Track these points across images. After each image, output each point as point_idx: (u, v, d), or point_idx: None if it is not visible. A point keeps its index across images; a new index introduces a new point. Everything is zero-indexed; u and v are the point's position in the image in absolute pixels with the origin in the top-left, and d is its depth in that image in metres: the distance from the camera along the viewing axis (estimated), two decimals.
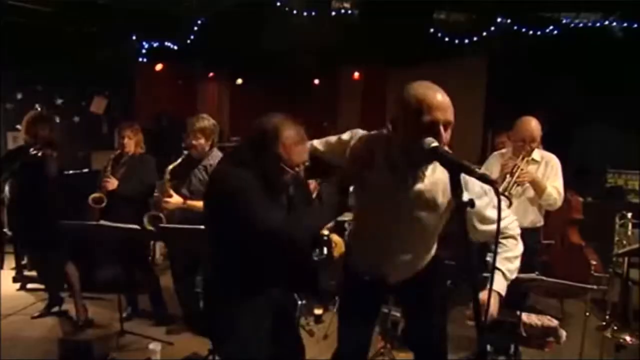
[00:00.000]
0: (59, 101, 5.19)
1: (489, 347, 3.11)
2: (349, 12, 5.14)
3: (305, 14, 5.12)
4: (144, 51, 5.26)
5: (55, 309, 3.63)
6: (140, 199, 3.42)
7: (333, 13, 5.17)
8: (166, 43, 5.22)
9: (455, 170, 1.13)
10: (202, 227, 2.81)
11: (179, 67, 6.07)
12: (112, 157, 3.43)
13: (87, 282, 3.63)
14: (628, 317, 3.06)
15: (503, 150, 3.12)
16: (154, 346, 2.85)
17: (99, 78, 5.19)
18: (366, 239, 1.76)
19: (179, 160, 2.99)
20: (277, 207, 1.67)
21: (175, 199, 2.95)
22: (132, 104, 5.68)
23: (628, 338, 2.60)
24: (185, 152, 3.04)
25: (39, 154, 3.24)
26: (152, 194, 3.48)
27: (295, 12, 5.08)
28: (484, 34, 5.38)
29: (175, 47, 5.29)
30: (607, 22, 5.44)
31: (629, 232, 2.97)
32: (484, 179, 1.08)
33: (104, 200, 3.32)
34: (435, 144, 1.28)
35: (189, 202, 2.97)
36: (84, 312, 3.46)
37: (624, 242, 2.92)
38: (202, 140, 2.96)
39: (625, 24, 5.39)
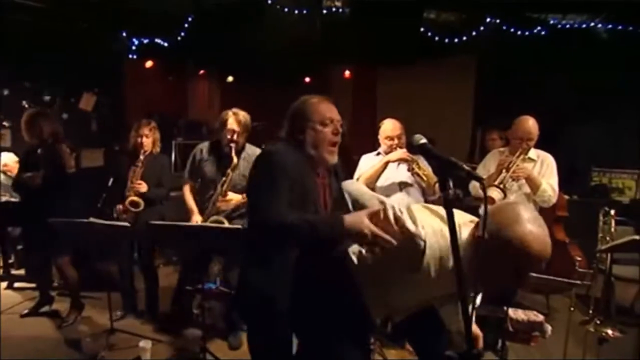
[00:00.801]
0: (47, 98, 5.12)
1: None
2: (340, 10, 5.16)
3: (296, 12, 5.12)
4: (134, 48, 5.22)
5: (45, 308, 3.60)
6: (159, 200, 3.43)
7: (324, 11, 5.18)
8: (156, 40, 5.19)
9: (442, 166, 1.16)
10: (195, 224, 2.87)
11: (170, 64, 6.03)
12: (141, 158, 3.35)
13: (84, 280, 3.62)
14: (610, 311, 3.15)
15: (502, 149, 3.23)
16: (144, 344, 2.85)
17: (88, 75, 5.13)
18: None
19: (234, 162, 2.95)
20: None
21: (235, 196, 2.95)
22: (122, 101, 5.63)
23: (610, 332, 2.67)
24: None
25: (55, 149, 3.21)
26: (168, 195, 3.47)
27: (286, 10, 5.08)
28: (474, 33, 5.44)
29: (166, 44, 5.26)
30: (592, 24, 5.54)
31: (612, 229, 3.04)
32: (470, 175, 1.11)
33: (141, 205, 3.29)
34: (424, 140, 1.29)
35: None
36: (78, 312, 3.45)
37: (607, 238, 3.00)
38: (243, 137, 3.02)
39: (610, 26, 5.49)
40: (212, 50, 5.54)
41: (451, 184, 1.14)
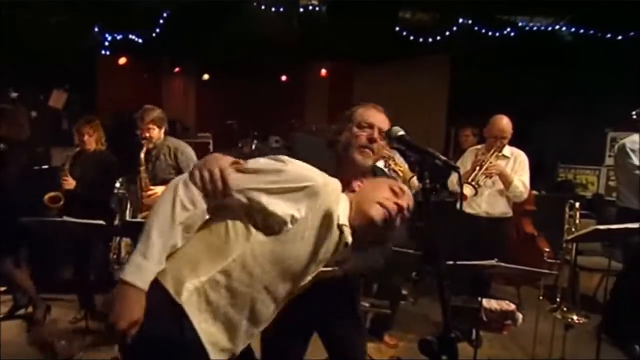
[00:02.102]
0: (14, 95, 4.95)
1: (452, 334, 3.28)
2: (317, 8, 5.20)
3: (273, 9, 5.12)
4: (107, 44, 5.10)
5: (22, 311, 3.49)
6: (100, 198, 3.35)
7: (301, 9, 5.21)
8: (130, 36, 5.09)
9: (420, 157, 1.22)
10: None
11: (144, 61, 5.92)
12: (71, 154, 3.31)
13: (48, 282, 3.52)
14: (576, 299, 3.32)
15: (478, 146, 3.33)
16: None
17: (58, 71, 4.98)
18: None
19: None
20: None
21: (160, 188, 2.91)
22: (94, 98, 5.49)
23: (575, 318, 2.83)
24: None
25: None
26: (112, 193, 3.41)
27: (263, 7, 5.08)
28: (447, 33, 5.59)
29: (140, 41, 5.16)
30: (557, 26, 5.79)
31: (577, 221, 3.21)
32: (447, 164, 1.17)
33: (61, 199, 3.21)
34: (402, 132, 1.34)
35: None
36: (44, 313, 3.35)
37: (573, 229, 3.16)
38: (156, 131, 2.98)
39: (573, 29, 5.76)
40: (188, 48, 5.49)
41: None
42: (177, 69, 6.63)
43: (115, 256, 4.36)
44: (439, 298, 1.24)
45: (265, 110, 7.07)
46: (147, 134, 2.96)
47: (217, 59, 5.88)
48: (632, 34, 5.37)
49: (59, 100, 5.29)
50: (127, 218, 4.31)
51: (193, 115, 6.95)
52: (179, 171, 3.01)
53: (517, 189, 3.03)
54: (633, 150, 3.14)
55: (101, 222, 2.84)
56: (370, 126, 1.63)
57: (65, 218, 2.82)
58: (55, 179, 3.37)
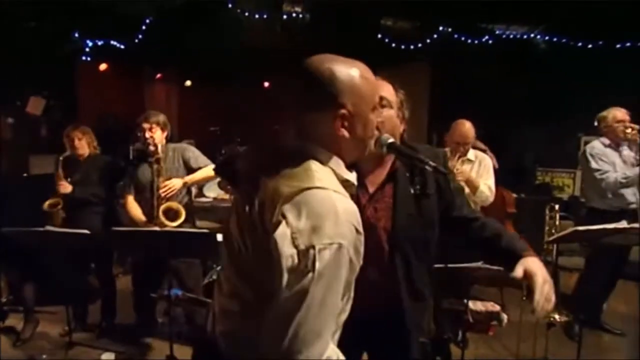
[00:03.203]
0: None
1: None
2: (300, 15, 5.24)
3: (256, 16, 5.14)
4: (87, 49, 5.01)
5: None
6: (101, 202, 3.32)
7: (284, 16, 5.24)
8: (112, 42, 5.02)
9: (411, 163, 1.24)
10: (159, 229, 2.81)
11: (126, 67, 5.84)
12: (60, 158, 3.27)
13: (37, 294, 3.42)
14: (557, 299, 3.41)
15: (445, 149, 3.37)
16: (107, 356, 2.76)
17: (36, 77, 4.87)
18: None
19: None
20: None
21: (176, 180, 2.92)
22: (75, 105, 5.38)
23: (557, 317, 2.92)
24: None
25: None
26: (114, 196, 3.38)
27: (246, 14, 5.09)
28: (428, 41, 5.71)
29: (122, 47, 5.10)
30: (532, 35, 6.00)
31: (557, 222, 3.32)
32: (437, 170, 1.20)
33: (60, 204, 3.18)
34: (392, 139, 1.30)
35: (190, 177, 2.97)
36: (33, 327, 3.27)
37: (553, 231, 3.26)
38: (159, 133, 2.97)
39: (547, 37, 5.97)
40: (171, 54, 5.45)
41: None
42: (159, 76, 6.56)
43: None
44: (433, 302, 1.28)
45: (248, 116, 7.06)
46: (150, 134, 2.93)
47: (200, 65, 5.84)
48: (600, 42, 5.60)
49: (36, 107, 5.16)
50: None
51: (176, 122, 6.87)
52: (188, 170, 3.02)
53: (484, 194, 3.05)
54: (592, 155, 3.30)
55: (86, 231, 2.80)
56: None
57: (48, 228, 2.77)
58: (37, 187, 3.32)
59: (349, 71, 1.02)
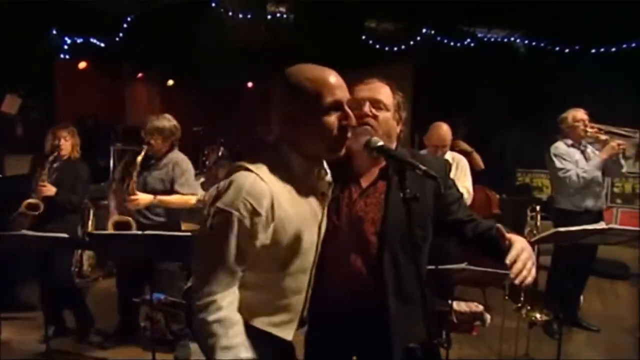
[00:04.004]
0: None
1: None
2: (285, 16, 5.22)
3: (240, 16, 5.09)
4: (66, 47, 4.87)
5: None
6: (71, 208, 3.23)
7: (269, 16, 5.21)
8: (92, 40, 4.89)
9: (401, 167, 1.24)
10: (139, 232, 2.76)
11: (106, 66, 5.71)
12: (50, 159, 3.16)
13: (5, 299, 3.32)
14: (538, 298, 3.49)
15: (422, 151, 3.38)
16: None
17: (11, 75, 4.71)
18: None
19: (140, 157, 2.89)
20: None
21: (144, 196, 2.85)
22: (52, 104, 5.22)
23: (538, 316, 2.98)
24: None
25: None
26: (82, 202, 3.30)
27: (230, 14, 5.04)
28: (411, 43, 5.76)
29: (102, 45, 4.97)
30: (512, 38, 6.12)
31: (538, 223, 3.38)
32: (427, 174, 1.19)
33: (41, 207, 3.07)
34: (381, 142, 1.31)
35: (160, 197, 2.88)
36: None
37: (535, 232, 3.33)
38: (160, 140, 2.92)
39: (527, 41, 6.10)
40: (152, 53, 5.35)
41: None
42: (140, 75, 6.43)
43: (77, 270, 4.18)
44: (421, 305, 1.26)
45: (231, 117, 6.99)
46: (152, 140, 2.90)
47: (182, 64, 5.76)
48: (577, 47, 5.77)
49: (12, 105, 5.00)
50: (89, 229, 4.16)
51: None
52: (171, 182, 2.95)
53: (463, 197, 3.09)
54: (555, 155, 3.41)
55: (64, 235, 2.73)
56: (359, 103, 1.41)
57: (24, 231, 2.68)
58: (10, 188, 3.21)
59: (317, 77, 1.21)
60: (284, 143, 1.24)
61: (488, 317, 2.94)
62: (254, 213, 1.12)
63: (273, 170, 1.19)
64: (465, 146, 4.34)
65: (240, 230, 1.12)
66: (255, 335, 1.23)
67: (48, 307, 3.26)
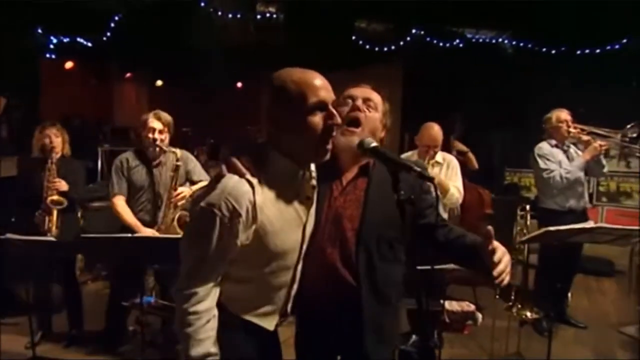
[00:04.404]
0: None
1: (414, 336, 3.39)
2: (274, 16, 5.20)
3: (230, 16, 5.06)
4: (51, 46, 4.77)
5: None
6: (71, 208, 3.20)
7: (258, 16, 5.18)
8: (78, 39, 4.80)
9: (395, 168, 1.24)
10: (129, 235, 2.72)
11: (93, 66, 5.62)
12: (55, 159, 3.12)
13: None
14: (528, 297, 3.53)
15: (409, 153, 3.36)
16: None
17: None
18: None
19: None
20: None
21: (183, 189, 2.86)
22: (37, 104, 5.12)
23: (529, 314, 3.01)
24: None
25: None
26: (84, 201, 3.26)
27: (219, 13, 5.00)
28: (401, 43, 5.79)
29: (89, 44, 4.89)
30: (500, 39, 6.20)
31: (528, 222, 3.42)
32: (422, 176, 1.19)
33: (64, 202, 3.05)
34: (375, 143, 1.32)
35: (193, 187, 2.89)
36: None
37: (525, 231, 3.36)
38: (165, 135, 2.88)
39: (514, 42, 6.18)
40: (141, 53, 5.28)
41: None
42: (128, 75, 6.34)
43: None
44: (417, 309, 1.27)
45: (220, 117, 6.94)
46: (160, 136, 2.85)
47: (171, 64, 5.69)
48: (562, 48, 5.86)
49: None
50: None
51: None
52: (185, 175, 2.94)
53: (454, 196, 3.08)
54: (540, 156, 3.45)
55: (52, 238, 2.68)
56: (350, 98, 1.44)
57: (9, 235, 2.62)
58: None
59: (283, 77, 1.24)
60: (270, 145, 1.26)
61: (480, 316, 2.98)
62: (235, 213, 1.16)
63: (259, 171, 1.22)
64: (461, 146, 4.38)
65: (221, 229, 1.17)
66: (238, 324, 1.30)
67: (44, 309, 3.24)
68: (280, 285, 1.34)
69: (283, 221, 1.26)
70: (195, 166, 3.00)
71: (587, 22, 5.22)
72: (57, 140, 3.14)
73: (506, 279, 1.28)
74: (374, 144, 1.33)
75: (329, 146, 1.26)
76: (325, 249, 1.41)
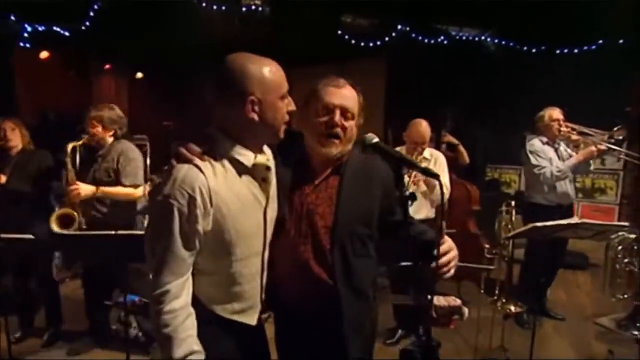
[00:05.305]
0: None
1: (400, 331, 3.42)
2: (260, 8, 5.11)
3: (214, 8, 4.94)
4: (26, 35, 4.55)
5: None
6: (32, 197, 3.06)
7: (243, 9, 5.09)
8: (55, 28, 4.60)
9: (398, 164, 1.23)
10: (112, 232, 2.64)
11: (70, 56, 5.41)
12: (14, 153, 3.04)
13: None
14: (512, 291, 3.61)
15: (397, 149, 3.40)
16: None
17: None
18: None
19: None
20: None
21: (86, 187, 2.74)
22: (10, 96, 4.90)
23: (513, 308, 3.07)
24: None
25: None
26: (48, 194, 3.14)
27: (204, 4, 4.88)
28: (386, 38, 5.79)
29: (67, 34, 4.69)
30: (483, 37, 6.27)
31: (514, 218, 3.49)
32: (426, 172, 1.19)
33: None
34: (376, 139, 1.34)
35: (103, 188, 2.77)
36: None
37: (509, 226, 3.43)
38: (99, 129, 2.84)
39: (496, 40, 6.27)
40: (121, 44, 5.10)
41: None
42: (107, 66, 6.14)
43: None
44: (418, 307, 1.28)
45: (203, 111, 6.79)
46: (91, 129, 2.85)
47: (152, 56, 5.54)
48: (542, 48, 5.99)
49: None
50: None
51: (126, 116, 6.51)
52: (116, 173, 2.85)
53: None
54: (531, 152, 3.54)
55: (29, 236, 2.57)
56: (327, 109, 1.45)
57: None
58: None
59: (258, 66, 1.26)
60: (218, 129, 1.29)
61: (466, 310, 3.01)
62: (191, 199, 1.18)
63: (209, 158, 1.24)
64: (452, 139, 4.43)
65: (181, 218, 1.18)
66: (219, 323, 1.30)
67: (24, 307, 3.14)
68: (250, 275, 1.34)
69: (240, 204, 1.27)
70: (127, 166, 2.87)
71: (566, 23, 5.35)
72: (13, 133, 3.03)
73: (449, 272, 1.35)
74: (376, 139, 1.35)
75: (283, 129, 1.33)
76: (298, 246, 1.43)
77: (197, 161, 1.21)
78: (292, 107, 1.33)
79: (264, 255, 1.38)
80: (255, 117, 1.25)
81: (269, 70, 1.27)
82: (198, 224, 1.19)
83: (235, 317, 1.33)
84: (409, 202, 1.20)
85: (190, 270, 1.23)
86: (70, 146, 2.80)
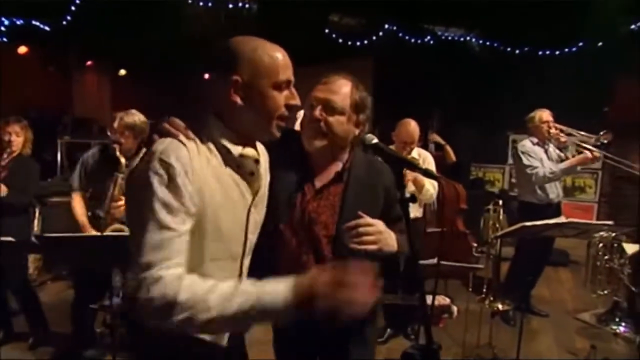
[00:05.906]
0: None
1: (389, 330, 3.44)
2: (247, 6, 5.06)
3: (200, 4, 4.86)
4: (3, 29, 4.39)
5: None
6: (21, 209, 2.99)
7: (230, 6, 5.02)
8: (34, 22, 4.45)
9: (398, 165, 1.22)
10: (97, 234, 2.57)
11: (51, 52, 5.24)
12: (4, 156, 2.90)
13: None
14: (499, 289, 3.67)
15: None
16: None
17: None
18: None
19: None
20: None
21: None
22: None
23: (501, 306, 3.11)
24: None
25: None
26: (31, 203, 3.04)
27: (189, 0, 4.80)
28: (374, 38, 5.81)
29: (47, 28, 4.54)
30: (468, 37, 6.35)
31: (501, 217, 3.55)
32: (427, 173, 1.18)
33: None
34: (376, 140, 1.29)
35: None
36: None
37: (497, 225, 3.48)
38: (131, 140, 2.67)
39: (481, 41, 6.36)
40: (103, 39, 4.97)
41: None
42: (89, 63, 5.98)
43: None
44: (418, 309, 1.27)
45: (186, 108, 6.69)
46: (121, 139, 2.64)
47: (136, 53, 5.41)
48: (526, 49, 6.10)
49: None
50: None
51: (108, 114, 6.37)
52: None
53: (429, 192, 3.06)
54: (523, 153, 3.63)
55: (10, 238, 2.48)
56: (313, 104, 1.41)
57: None
58: None
59: (253, 45, 1.14)
60: (212, 114, 1.16)
61: (455, 309, 3.03)
62: (170, 168, 1.02)
63: (197, 140, 1.10)
64: (438, 139, 4.48)
65: (162, 190, 1.02)
66: (184, 344, 1.10)
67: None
68: (225, 280, 1.10)
69: (223, 194, 1.12)
70: None
71: (547, 25, 5.46)
72: (17, 140, 2.92)
73: (354, 244, 1.29)
74: (375, 140, 1.30)
75: (282, 124, 1.18)
76: (299, 256, 1.39)
77: (182, 137, 1.07)
78: (295, 101, 1.17)
79: (242, 262, 1.21)
80: (239, 100, 1.10)
81: (265, 53, 1.12)
82: (183, 197, 1.03)
83: (203, 335, 1.15)
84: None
85: (184, 257, 1.04)
86: (123, 161, 2.60)
